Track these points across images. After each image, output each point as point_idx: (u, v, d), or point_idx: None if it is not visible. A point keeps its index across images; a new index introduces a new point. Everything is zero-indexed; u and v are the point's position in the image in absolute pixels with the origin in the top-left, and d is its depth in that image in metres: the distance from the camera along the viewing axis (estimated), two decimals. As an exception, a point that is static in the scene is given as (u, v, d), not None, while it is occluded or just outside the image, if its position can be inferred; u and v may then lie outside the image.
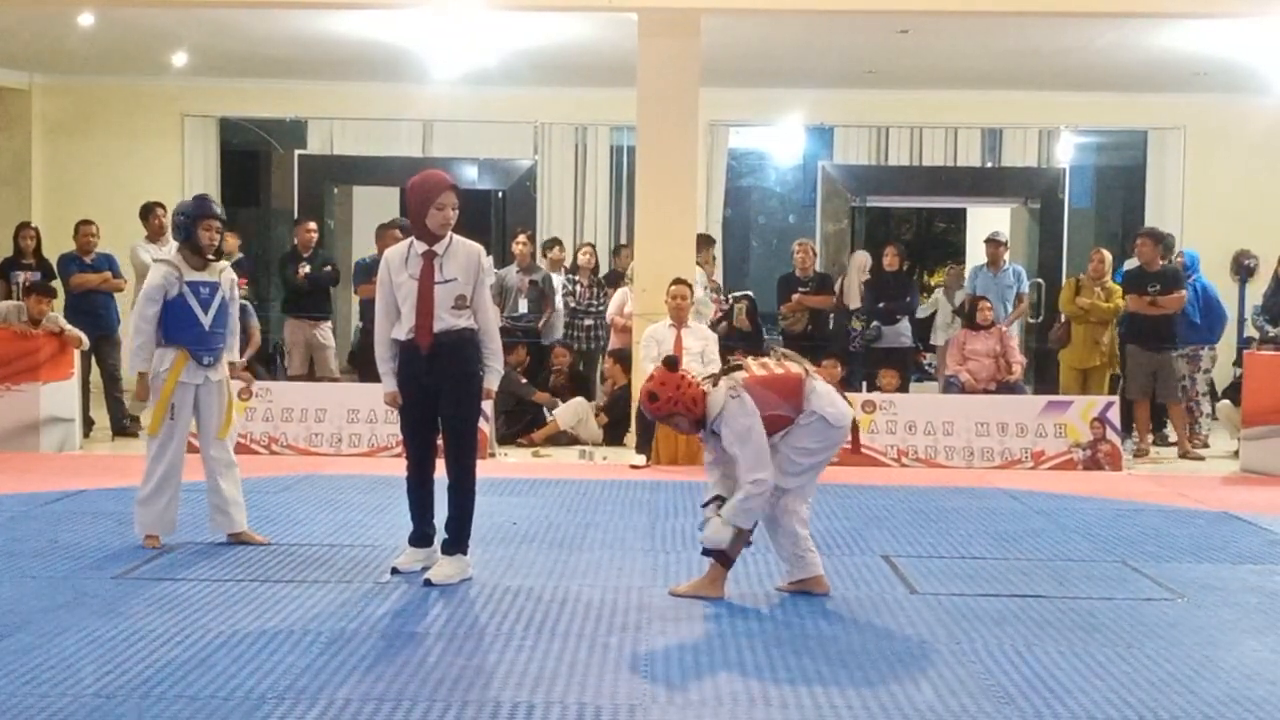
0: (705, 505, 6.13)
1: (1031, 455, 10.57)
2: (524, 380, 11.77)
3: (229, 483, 7.04)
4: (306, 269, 12.17)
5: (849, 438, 6.27)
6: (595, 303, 12.89)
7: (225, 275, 7.05)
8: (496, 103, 14.43)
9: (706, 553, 6.11)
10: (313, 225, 12.64)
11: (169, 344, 6.87)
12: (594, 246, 13.54)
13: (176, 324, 6.86)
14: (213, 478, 7.03)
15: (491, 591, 6.13)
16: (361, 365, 11.63)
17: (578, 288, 12.98)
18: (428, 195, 6.18)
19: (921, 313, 13.54)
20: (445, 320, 6.19)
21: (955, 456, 10.59)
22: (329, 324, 12.52)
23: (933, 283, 17.59)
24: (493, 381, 6.46)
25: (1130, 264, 12.20)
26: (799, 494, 6.09)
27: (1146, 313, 11.42)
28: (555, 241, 13.71)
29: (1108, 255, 12.23)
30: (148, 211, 11.89)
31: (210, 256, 6.97)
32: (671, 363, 6.10)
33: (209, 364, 6.96)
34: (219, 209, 7.09)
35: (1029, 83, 14.20)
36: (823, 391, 6.10)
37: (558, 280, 13.01)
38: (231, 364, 7.20)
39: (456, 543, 6.33)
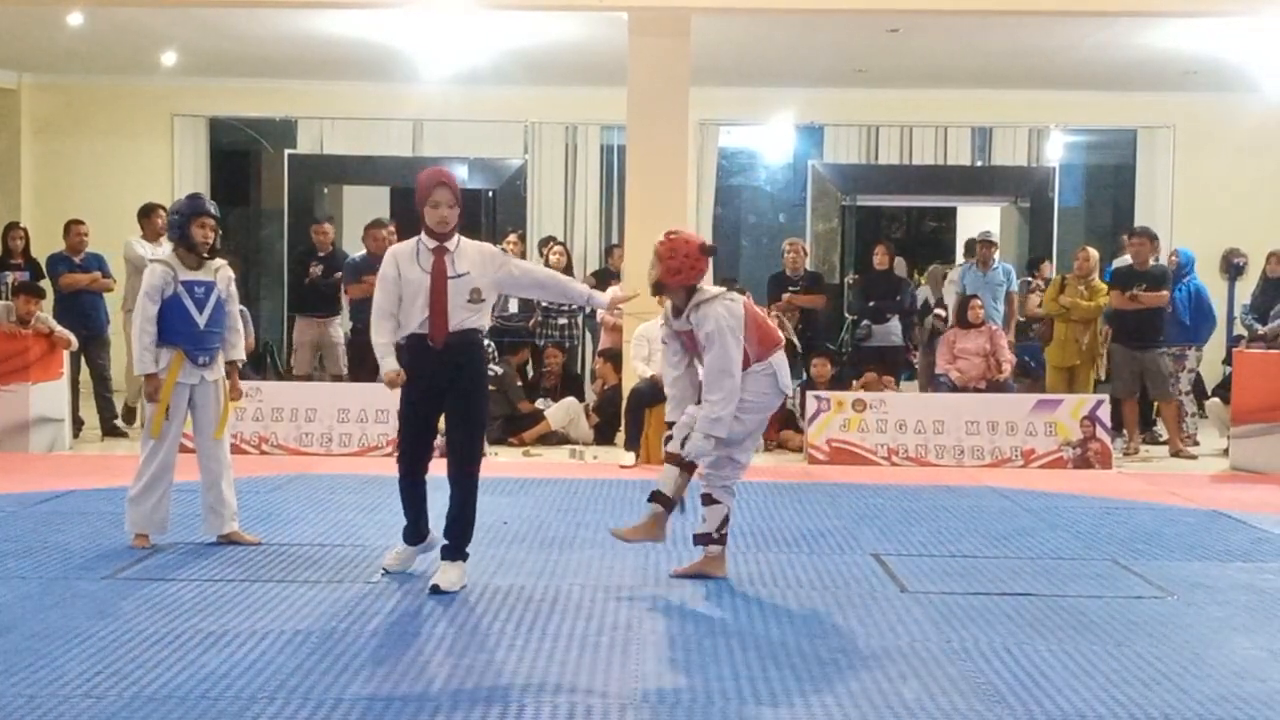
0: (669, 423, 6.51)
1: (1022, 454, 10.58)
2: (520, 384, 11.75)
3: (224, 483, 7.03)
4: (319, 270, 12.05)
5: (769, 417, 6.68)
6: (566, 302, 12.89)
7: (221, 274, 7.04)
8: (487, 102, 14.42)
9: (652, 499, 6.42)
10: (328, 227, 12.54)
11: (164, 344, 6.86)
12: (564, 245, 13.51)
13: (172, 324, 6.85)
14: (207, 478, 7.02)
15: (482, 591, 6.13)
16: (355, 364, 11.60)
17: None
18: (423, 194, 6.15)
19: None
20: (459, 315, 6.10)
21: (945, 455, 10.60)
22: (338, 320, 12.44)
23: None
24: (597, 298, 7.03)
25: (1120, 262, 12.19)
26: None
27: (1127, 309, 11.42)
28: (550, 239, 13.71)
29: (1094, 253, 12.16)
30: (149, 211, 11.78)
31: (205, 255, 6.95)
32: (708, 250, 6.43)
33: (204, 364, 6.96)
34: (213, 207, 7.07)
35: (1019, 82, 14.22)
36: (783, 359, 6.52)
37: None
38: (233, 363, 7.17)
39: (460, 549, 6.25)
